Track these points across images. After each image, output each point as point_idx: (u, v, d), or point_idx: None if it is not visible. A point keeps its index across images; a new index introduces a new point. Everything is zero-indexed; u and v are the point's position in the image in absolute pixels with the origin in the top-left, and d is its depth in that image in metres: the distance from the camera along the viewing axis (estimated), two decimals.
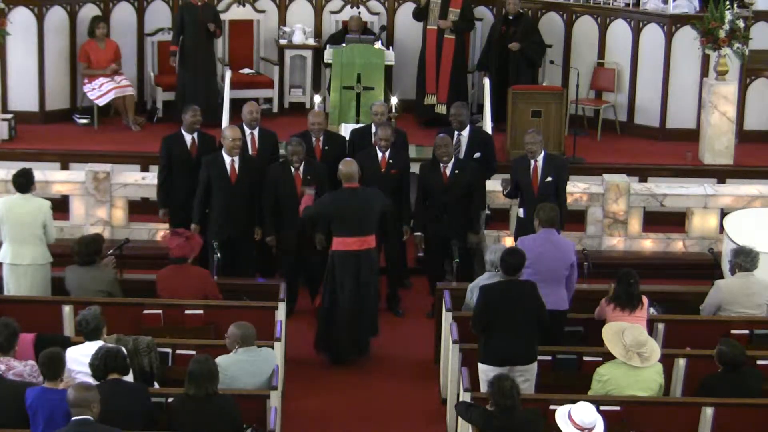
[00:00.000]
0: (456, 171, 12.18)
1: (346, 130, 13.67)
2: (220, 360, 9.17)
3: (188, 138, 12.43)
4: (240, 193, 11.96)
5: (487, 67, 15.86)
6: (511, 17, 15.70)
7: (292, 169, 12.01)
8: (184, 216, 12.24)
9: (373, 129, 12.64)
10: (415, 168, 12.80)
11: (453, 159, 12.21)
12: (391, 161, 12.30)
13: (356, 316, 11.32)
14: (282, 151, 12.57)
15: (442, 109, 15.64)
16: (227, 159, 11.93)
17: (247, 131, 12.45)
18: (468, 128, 12.80)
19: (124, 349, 9.01)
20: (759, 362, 9.87)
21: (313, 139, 12.54)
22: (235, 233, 12.00)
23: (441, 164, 12.19)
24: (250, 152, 12.35)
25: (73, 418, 7.96)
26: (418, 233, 12.40)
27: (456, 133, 12.67)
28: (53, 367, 8.45)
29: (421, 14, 15.78)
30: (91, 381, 8.66)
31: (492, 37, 15.89)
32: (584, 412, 8.37)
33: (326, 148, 12.58)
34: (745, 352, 9.44)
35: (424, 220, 12.33)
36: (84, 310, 9.32)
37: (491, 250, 10.81)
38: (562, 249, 10.45)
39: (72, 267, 10.83)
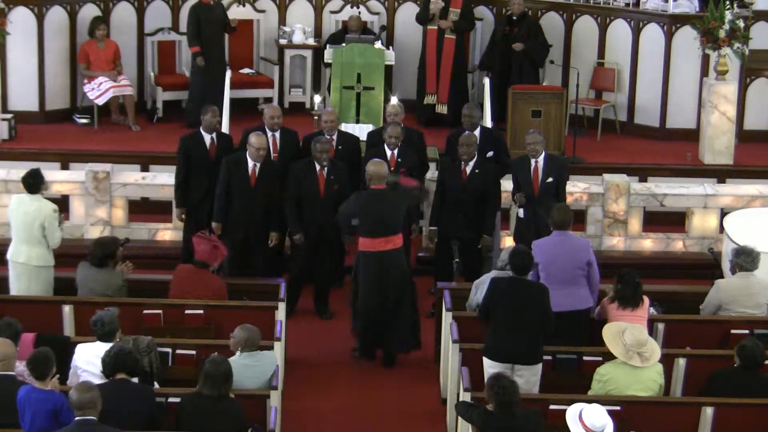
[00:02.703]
0: (476, 170, 12.18)
1: (346, 129, 13.65)
2: None
3: (207, 138, 12.45)
4: (258, 196, 11.98)
5: (490, 67, 15.85)
6: (515, 17, 15.69)
7: (317, 168, 12.01)
8: (200, 215, 12.26)
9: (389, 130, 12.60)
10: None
11: (474, 158, 12.22)
12: (399, 159, 12.32)
13: (381, 318, 11.28)
14: (312, 148, 12.49)
15: (443, 109, 15.64)
16: (250, 163, 11.95)
17: (269, 134, 12.45)
18: (479, 128, 12.80)
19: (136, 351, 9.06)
20: None
21: (327, 137, 12.53)
22: (250, 234, 12.02)
23: (461, 162, 12.20)
24: (271, 154, 12.35)
25: (77, 418, 7.99)
26: (433, 227, 12.39)
27: (467, 133, 12.66)
28: (41, 368, 8.45)
29: (424, 17, 15.74)
30: (97, 380, 8.69)
31: (495, 37, 15.87)
32: (595, 415, 8.32)
33: (340, 147, 12.61)
34: (764, 355, 9.39)
35: (440, 217, 12.32)
36: (101, 311, 9.34)
37: (507, 249, 10.77)
38: (575, 249, 10.46)
39: (85, 264, 10.84)
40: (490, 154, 12.72)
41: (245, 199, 12.01)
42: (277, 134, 12.61)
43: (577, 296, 10.36)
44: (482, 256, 12.30)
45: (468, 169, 12.21)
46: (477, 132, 12.74)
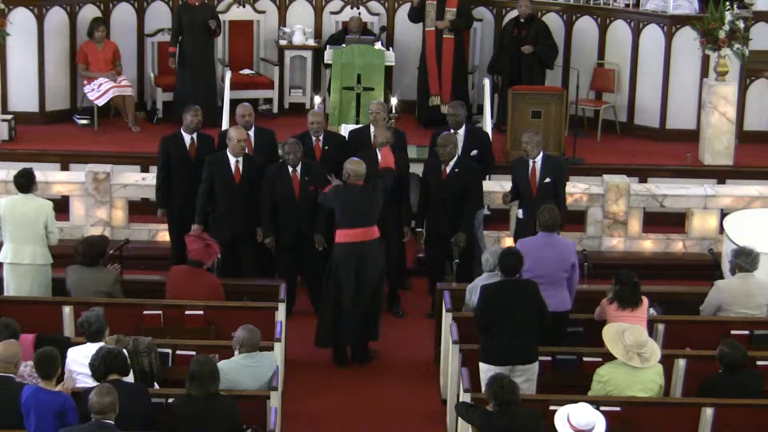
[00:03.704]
0: (456, 169, 12.20)
1: (345, 130, 13.68)
2: (222, 364, 9.16)
3: (187, 138, 12.46)
4: (244, 193, 11.99)
5: (499, 70, 15.82)
6: (522, 20, 15.66)
7: (290, 170, 12.02)
8: (183, 216, 12.26)
9: (372, 129, 12.66)
10: (414, 168, 12.82)
11: (455, 157, 12.22)
12: None
13: (357, 313, 11.32)
14: (281, 151, 12.59)
15: (447, 109, 15.62)
16: (232, 159, 11.96)
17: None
18: (464, 127, 12.82)
19: (124, 350, 9.03)
20: (759, 363, 9.87)
21: (313, 138, 12.55)
22: (238, 233, 12.01)
23: (443, 162, 12.23)
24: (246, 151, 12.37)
25: (94, 419, 7.99)
26: (420, 229, 12.41)
27: (452, 131, 12.67)
28: (47, 367, 8.46)
29: (415, 15, 15.76)
30: (92, 381, 8.68)
31: (503, 39, 15.85)
32: (580, 414, 8.33)
33: (326, 147, 12.60)
34: (746, 353, 9.43)
35: (425, 217, 12.34)
36: (87, 312, 9.33)
37: (489, 251, 10.83)
38: (561, 251, 10.47)
39: (74, 267, 10.84)
40: (474, 152, 12.73)
41: (231, 198, 11.99)
42: (251, 132, 12.60)
43: (560, 298, 10.38)
44: (475, 257, 12.29)
45: (448, 168, 12.22)
46: (462, 131, 12.75)
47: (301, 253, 12.12)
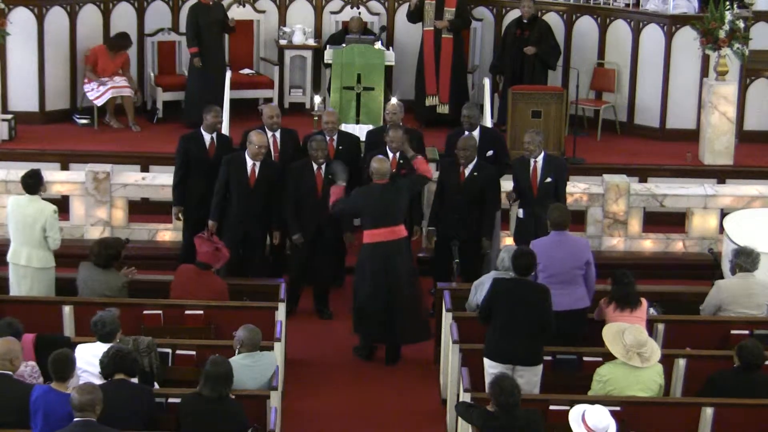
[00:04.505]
0: (475, 173, 12.18)
1: (346, 130, 13.66)
2: None
3: (207, 138, 12.47)
4: (257, 196, 12.00)
5: (502, 70, 15.82)
6: (525, 20, 15.65)
7: (315, 167, 12.02)
8: (199, 215, 12.28)
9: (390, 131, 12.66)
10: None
11: (474, 161, 12.21)
12: (401, 162, 12.31)
13: (374, 314, 11.29)
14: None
15: (444, 109, 15.62)
16: (249, 162, 11.96)
17: (269, 134, 12.46)
18: (479, 128, 12.81)
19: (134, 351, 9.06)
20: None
21: (327, 137, 12.56)
22: (249, 234, 12.03)
23: (460, 164, 12.21)
24: (272, 154, 12.37)
25: (76, 419, 7.99)
26: (432, 227, 12.40)
27: (467, 133, 12.66)
28: (63, 369, 8.47)
29: (414, 16, 15.77)
30: (97, 381, 8.69)
31: (506, 39, 15.85)
32: (598, 416, 8.32)
33: (340, 147, 12.63)
34: (763, 356, 9.39)
35: (438, 218, 12.33)
36: (102, 312, 9.33)
37: (506, 249, 10.78)
38: (574, 249, 10.45)
39: (87, 264, 10.82)
40: (489, 153, 12.73)
41: (245, 199, 12.02)
42: (278, 134, 12.63)
43: (575, 296, 10.37)
44: (482, 257, 12.30)
45: (467, 172, 12.21)
46: (476, 132, 12.74)
47: (317, 252, 12.12)
